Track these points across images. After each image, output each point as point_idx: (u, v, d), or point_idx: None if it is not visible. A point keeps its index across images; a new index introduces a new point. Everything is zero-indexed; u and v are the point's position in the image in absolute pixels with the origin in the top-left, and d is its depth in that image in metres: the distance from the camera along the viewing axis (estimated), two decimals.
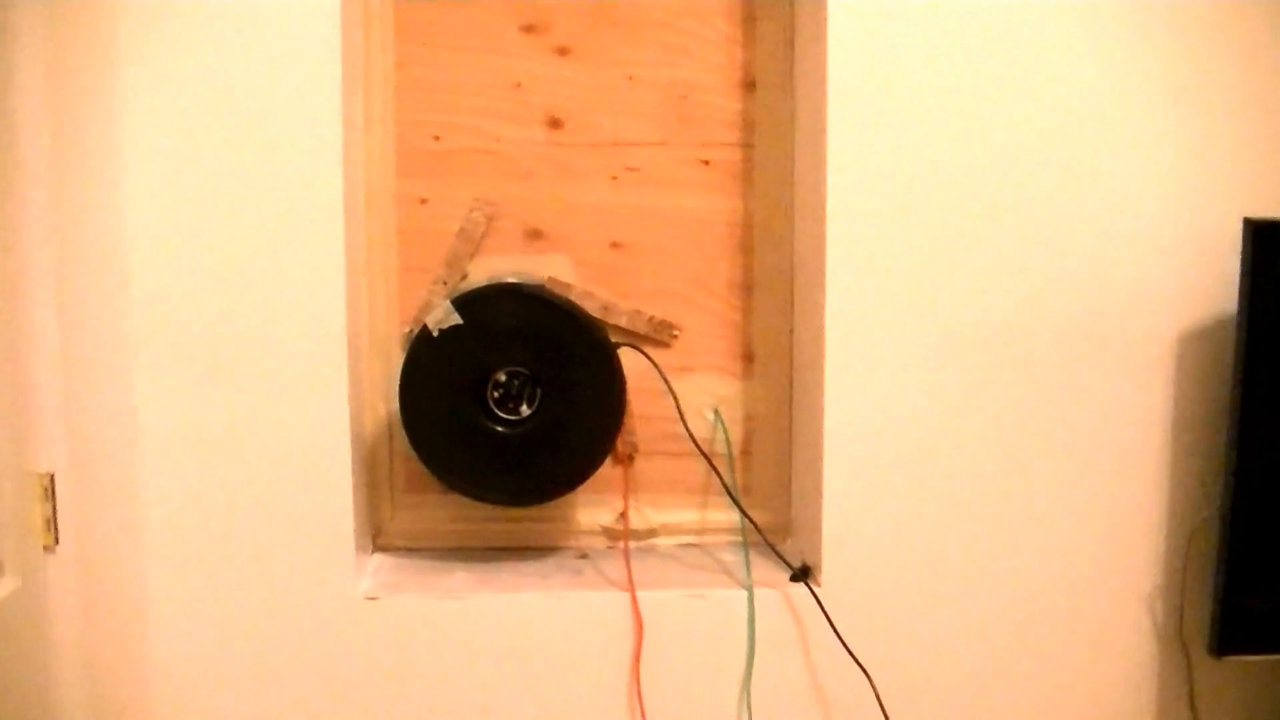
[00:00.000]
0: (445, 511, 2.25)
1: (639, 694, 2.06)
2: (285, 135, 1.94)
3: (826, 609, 2.05)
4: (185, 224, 1.94)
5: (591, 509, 2.27)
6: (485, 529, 2.26)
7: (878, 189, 2.01)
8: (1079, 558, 2.11)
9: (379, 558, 2.22)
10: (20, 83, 1.69)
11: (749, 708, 2.08)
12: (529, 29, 2.18)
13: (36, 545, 1.72)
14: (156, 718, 2.02)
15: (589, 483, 2.12)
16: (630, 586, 2.06)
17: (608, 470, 2.21)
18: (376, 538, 2.24)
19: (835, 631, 2.04)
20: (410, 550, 2.25)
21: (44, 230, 1.73)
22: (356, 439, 2.08)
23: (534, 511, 2.24)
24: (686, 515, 2.29)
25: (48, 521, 1.74)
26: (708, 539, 2.29)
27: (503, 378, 2.07)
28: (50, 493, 1.74)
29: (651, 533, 2.28)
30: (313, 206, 1.95)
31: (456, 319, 2.02)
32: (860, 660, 2.05)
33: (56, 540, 1.75)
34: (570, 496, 2.20)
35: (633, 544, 2.24)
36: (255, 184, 1.94)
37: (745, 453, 2.29)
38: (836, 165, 2.01)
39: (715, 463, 2.21)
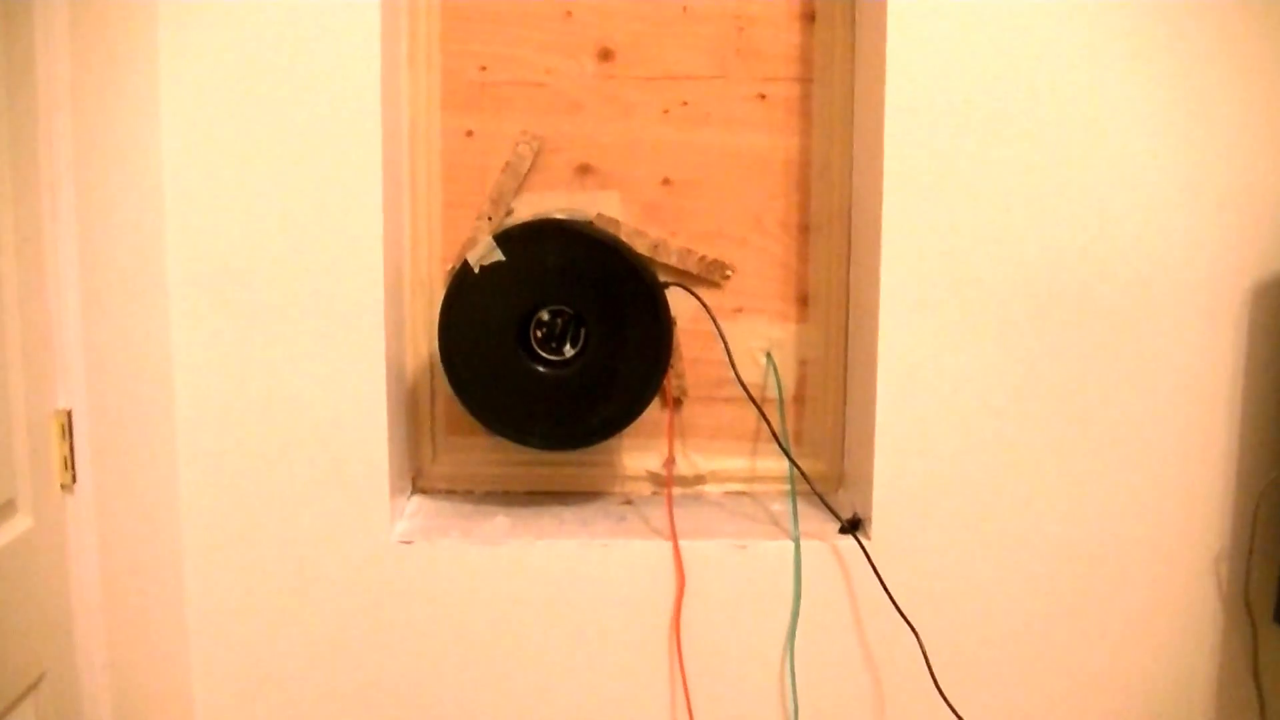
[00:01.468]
0: (487, 454, 2.10)
1: (678, 645, 1.91)
2: (322, 64, 1.78)
3: (875, 563, 1.88)
4: (219, 157, 1.80)
5: (638, 454, 2.10)
6: (528, 472, 2.11)
7: (938, 128, 1.82)
8: (1140, 518, 1.93)
9: (418, 500, 2.07)
10: (47, 9, 1.49)
11: (792, 661, 1.92)
12: None
13: (53, 484, 1.54)
14: (182, 660, 1.90)
15: (635, 427, 1.94)
16: (673, 535, 1.90)
17: (655, 414, 2.05)
18: (417, 479, 2.11)
19: (884, 586, 1.88)
20: (451, 493, 2.11)
21: (69, 159, 1.52)
22: (396, 379, 1.95)
23: (578, 456, 2.09)
24: (736, 463, 2.11)
25: (65, 460, 1.56)
26: (757, 487, 2.12)
27: (546, 317, 1.91)
28: (68, 430, 1.56)
29: (699, 480, 2.11)
30: (350, 139, 1.80)
31: (499, 255, 1.84)
32: (908, 617, 1.89)
33: (74, 479, 1.58)
34: (615, 441, 2.03)
35: (680, 491, 2.11)
36: (291, 115, 1.79)
37: (798, 399, 2.10)
38: (895, 102, 1.82)
39: (766, 409, 2.05)
